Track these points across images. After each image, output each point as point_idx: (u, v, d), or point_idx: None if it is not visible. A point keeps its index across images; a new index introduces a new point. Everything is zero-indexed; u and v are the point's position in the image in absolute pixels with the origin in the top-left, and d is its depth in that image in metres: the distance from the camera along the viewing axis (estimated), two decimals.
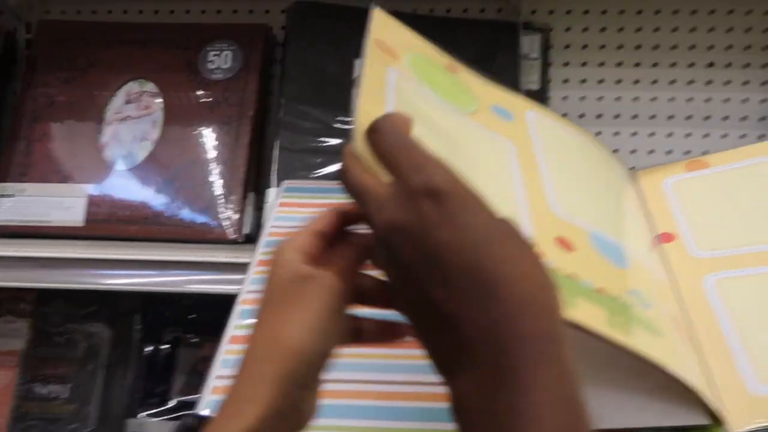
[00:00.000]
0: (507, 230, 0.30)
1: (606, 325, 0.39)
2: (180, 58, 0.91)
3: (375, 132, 0.34)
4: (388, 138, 0.33)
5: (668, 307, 0.50)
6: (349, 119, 0.85)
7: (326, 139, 0.85)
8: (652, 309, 0.45)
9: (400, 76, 0.47)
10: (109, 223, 0.83)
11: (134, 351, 0.86)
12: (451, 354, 0.30)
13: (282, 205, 0.73)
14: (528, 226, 0.45)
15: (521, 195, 0.48)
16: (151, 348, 0.88)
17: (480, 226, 0.30)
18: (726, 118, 0.91)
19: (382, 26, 0.54)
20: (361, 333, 0.40)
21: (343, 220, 0.39)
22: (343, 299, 0.36)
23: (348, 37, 0.89)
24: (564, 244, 0.45)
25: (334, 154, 0.84)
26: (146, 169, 0.86)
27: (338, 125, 0.85)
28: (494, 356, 0.28)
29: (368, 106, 0.41)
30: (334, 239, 0.38)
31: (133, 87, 0.90)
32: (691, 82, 0.92)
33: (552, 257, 0.43)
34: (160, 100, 0.89)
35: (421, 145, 0.33)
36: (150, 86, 0.90)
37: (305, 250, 0.37)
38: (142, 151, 0.86)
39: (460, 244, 0.29)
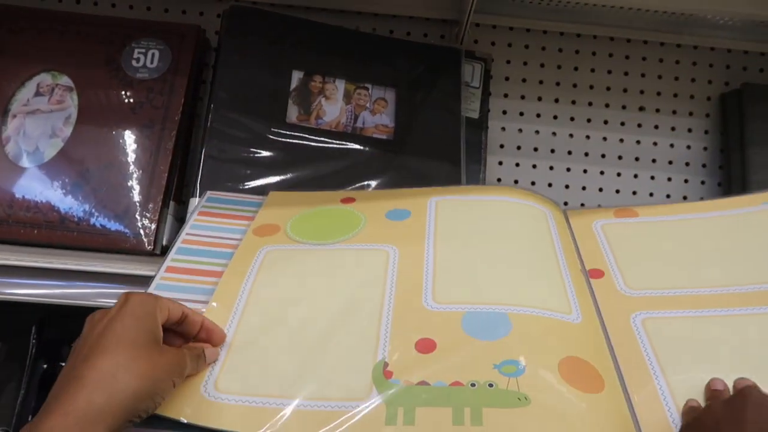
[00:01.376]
0: None
1: (449, 425, 0.43)
2: (101, 53, 0.84)
3: None
4: None
5: (565, 350, 0.50)
6: (284, 131, 0.81)
7: (258, 151, 0.80)
8: (524, 373, 0.47)
9: (271, 249, 0.61)
10: (7, 224, 0.74)
11: (28, 368, 0.77)
12: None
13: (201, 213, 0.69)
14: (387, 343, 0.50)
15: (389, 301, 0.54)
16: (46, 365, 0.78)
17: None
18: (654, 161, 0.94)
19: (272, 208, 0.69)
20: None
21: (198, 330, 0.48)
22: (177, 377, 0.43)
23: (285, 46, 0.85)
24: (425, 346, 0.49)
25: (265, 166, 0.79)
26: (54, 168, 0.77)
27: (273, 137, 0.80)
28: None
29: (229, 278, 0.57)
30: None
31: (45, 78, 0.82)
32: (623, 123, 0.94)
33: (405, 372, 0.47)
34: (75, 95, 0.81)
35: None
36: (64, 79, 0.82)
37: (169, 318, 0.45)
38: (51, 149, 0.78)
39: None
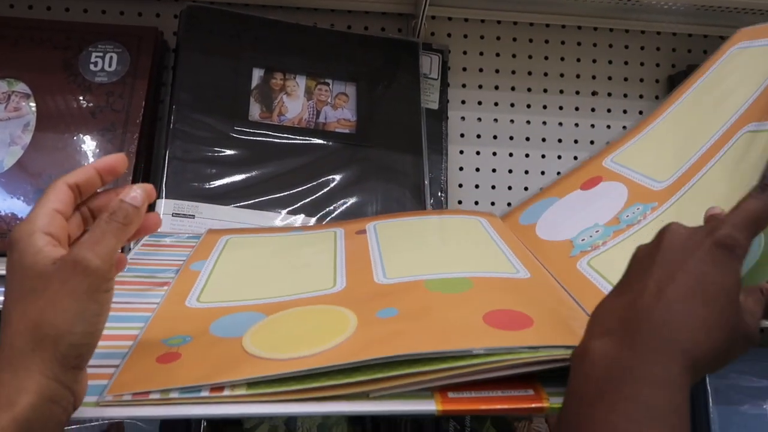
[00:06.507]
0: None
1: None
2: (57, 59, 0.83)
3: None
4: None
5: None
6: (247, 129, 0.82)
7: (222, 150, 0.80)
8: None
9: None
10: None
11: None
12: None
13: (143, 245, 0.69)
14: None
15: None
16: None
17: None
18: (608, 143, 0.97)
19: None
20: None
21: (77, 192, 0.40)
22: (105, 278, 0.36)
23: (244, 44, 0.86)
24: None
25: (230, 164, 0.80)
26: (14, 177, 0.77)
27: (236, 135, 0.81)
28: None
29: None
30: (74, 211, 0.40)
31: (0, 86, 0.81)
32: (577, 108, 0.97)
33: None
34: (32, 101, 0.81)
35: None
36: (21, 86, 0.81)
37: (52, 231, 0.37)
38: (10, 157, 0.77)
39: None
